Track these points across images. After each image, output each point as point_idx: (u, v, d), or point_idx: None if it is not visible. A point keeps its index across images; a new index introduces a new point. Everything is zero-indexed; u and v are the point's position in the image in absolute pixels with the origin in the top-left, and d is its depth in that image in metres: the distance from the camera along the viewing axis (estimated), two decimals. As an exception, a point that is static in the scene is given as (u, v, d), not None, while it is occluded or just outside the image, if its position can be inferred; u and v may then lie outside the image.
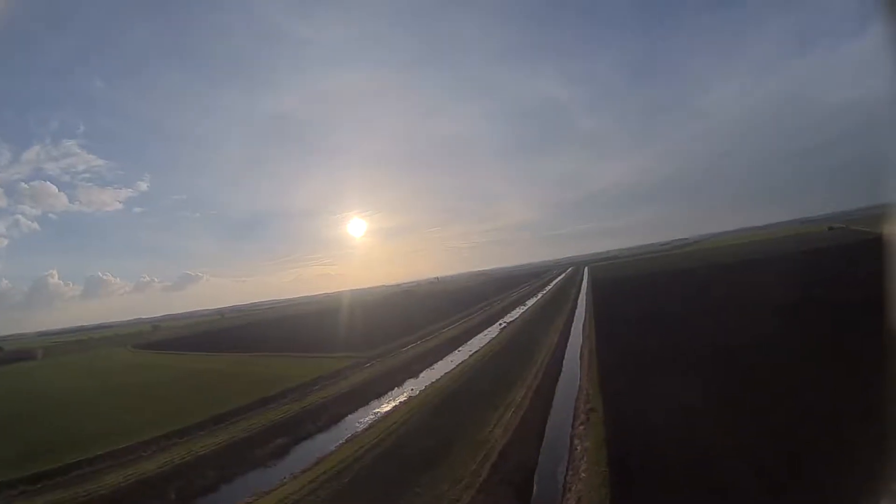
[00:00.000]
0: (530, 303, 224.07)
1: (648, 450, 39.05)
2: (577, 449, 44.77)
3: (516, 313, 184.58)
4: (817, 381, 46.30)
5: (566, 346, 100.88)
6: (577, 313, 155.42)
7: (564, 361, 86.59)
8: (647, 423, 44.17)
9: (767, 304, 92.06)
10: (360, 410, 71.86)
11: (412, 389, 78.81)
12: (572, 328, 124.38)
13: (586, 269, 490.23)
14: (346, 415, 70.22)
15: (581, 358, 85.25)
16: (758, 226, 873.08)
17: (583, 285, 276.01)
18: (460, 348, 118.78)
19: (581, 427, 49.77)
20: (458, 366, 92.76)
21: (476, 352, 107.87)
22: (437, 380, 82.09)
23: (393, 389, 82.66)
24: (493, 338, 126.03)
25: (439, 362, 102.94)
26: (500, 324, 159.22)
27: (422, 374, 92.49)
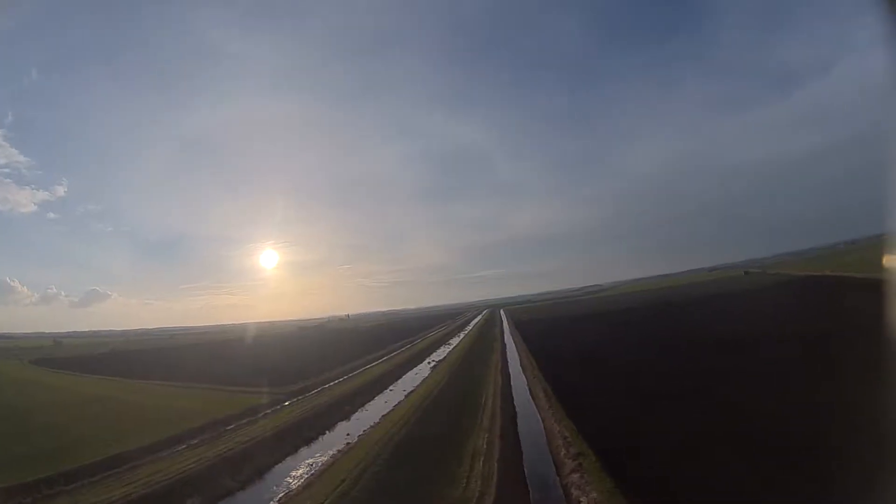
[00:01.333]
0: (455, 342, 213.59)
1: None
2: (582, 502, 35.65)
3: (443, 352, 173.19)
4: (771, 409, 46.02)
5: (511, 385, 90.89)
6: (509, 352, 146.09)
7: (516, 402, 76.26)
8: (652, 459, 39.60)
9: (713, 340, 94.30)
10: (290, 460, 58.07)
11: (349, 435, 65.62)
12: (510, 367, 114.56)
13: (502, 311, 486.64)
14: (273, 465, 56.03)
15: (535, 398, 76.61)
16: (672, 272, 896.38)
17: (504, 326, 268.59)
18: (392, 387, 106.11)
19: (575, 475, 40.32)
20: (395, 407, 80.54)
21: (412, 392, 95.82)
22: (376, 423, 69.35)
23: (325, 434, 69.17)
24: (427, 377, 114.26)
25: (371, 402, 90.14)
26: (429, 362, 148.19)
27: (355, 416, 79.24)
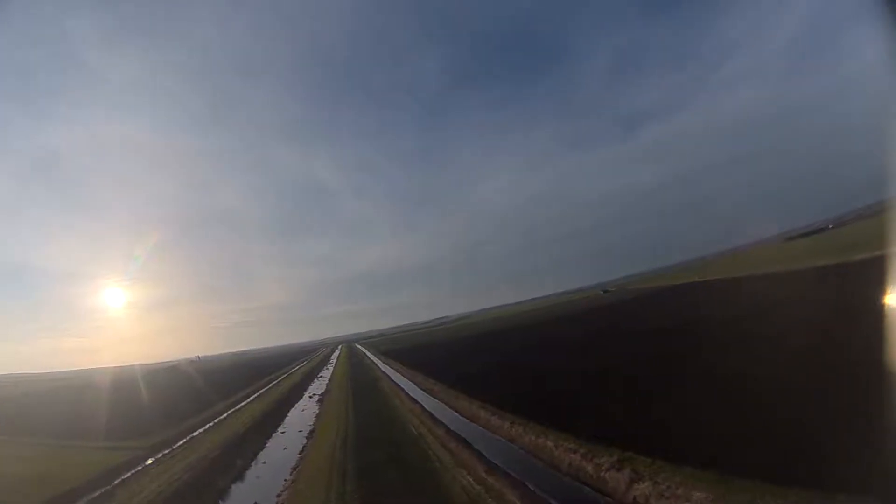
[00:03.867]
0: (326, 374, 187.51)
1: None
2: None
3: (321, 385, 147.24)
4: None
5: (429, 411, 69.70)
6: (399, 377, 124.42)
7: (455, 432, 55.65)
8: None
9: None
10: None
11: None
12: (410, 390, 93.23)
13: (358, 346, 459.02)
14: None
15: (476, 418, 59.09)
16: (525, 299, 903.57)
17: (373, 358, 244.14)
18: (281, 429, 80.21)
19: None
20: (305, 453, 56.70)
21: (312, 430, 71.97)
22: (292, 482, 45.83)
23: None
24: (322, 411, 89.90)
25: (266, 451, 64.44)
26: (311, 396, 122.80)
27: (254, 475, 53.33)
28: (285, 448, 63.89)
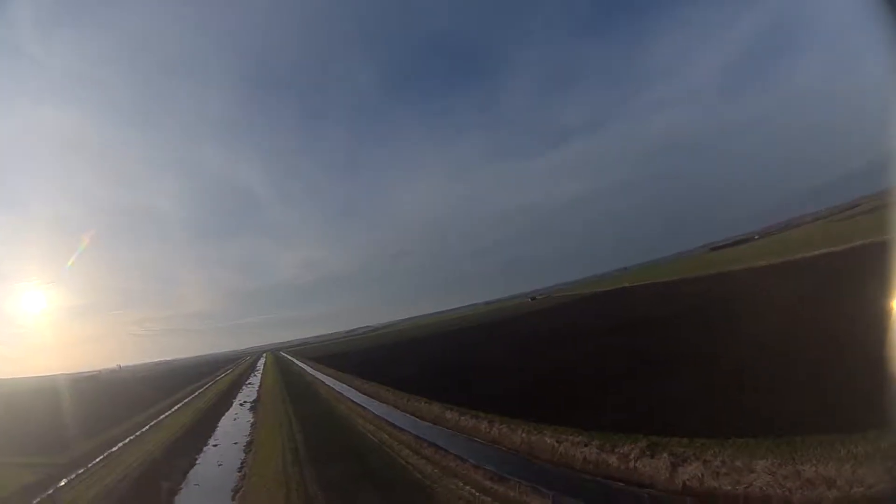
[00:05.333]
0: (255, 381, 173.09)
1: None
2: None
3: (250, 392, 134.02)
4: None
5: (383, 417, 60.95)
6: (332, 384, 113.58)
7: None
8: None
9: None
10: None
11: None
12: (354, 398, 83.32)
13: (283, 353, 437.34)
14: None
15: (442, 420, 49.60)
16: (451, 308, 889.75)
17: (299, 363, 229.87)
18: (213, 440, 68.67)
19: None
20: (244, 477, 46.18)
21: (250, 442, 61.57)
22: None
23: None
24: (256, 421, 78.87)
25: (197, 469, 53.26)
26: (241, 403, 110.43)
27: (181, 502, 43.34)
28: (220, 464, 53.30)
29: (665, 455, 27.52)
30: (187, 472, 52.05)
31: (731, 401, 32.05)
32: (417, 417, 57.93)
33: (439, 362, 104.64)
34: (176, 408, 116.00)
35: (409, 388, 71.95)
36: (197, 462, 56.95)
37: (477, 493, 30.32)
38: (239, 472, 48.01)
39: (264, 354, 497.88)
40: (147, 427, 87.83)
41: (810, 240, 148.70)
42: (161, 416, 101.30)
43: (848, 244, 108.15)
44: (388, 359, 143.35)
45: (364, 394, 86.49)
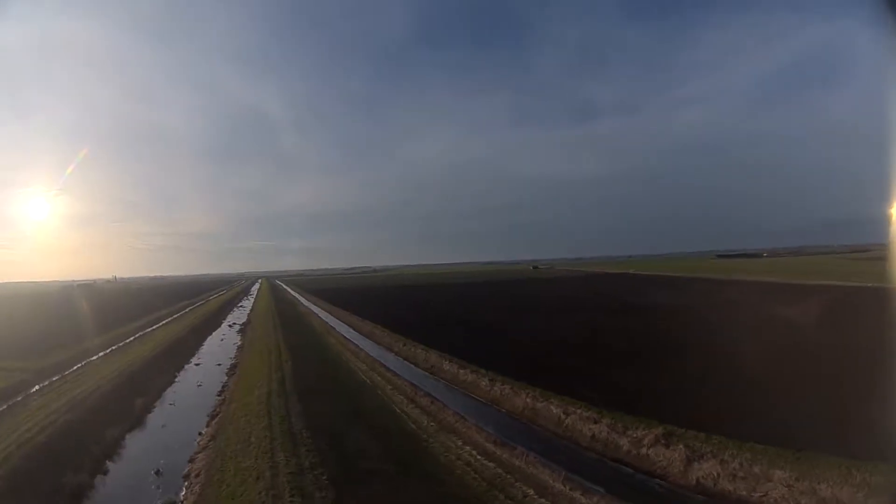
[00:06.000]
0: (247, 304, 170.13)
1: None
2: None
3: (240, 315, 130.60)
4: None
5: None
6: (326, 318, 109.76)
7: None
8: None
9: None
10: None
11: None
12: (347, 335, 79.26)
13: (279, 281, 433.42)
14: None
15: (439, 371, 45.04)
16: (453, 262, 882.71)
17: (293, 293, 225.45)
18: (196, 360, 65.38)
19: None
20: (223, 402, 42.67)
21: (234, 365, 57.46)
22: (211, 437, 32.32)
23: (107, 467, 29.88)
24: (243, 344, 74.99)
25: (174, 388, 50.07)
26: (231, 325, 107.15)
27: (152, 421, 39.22)
28: (200, 385, 49.36)
29: (681, 447, 24.91)
30: (164, 390, 48.10)
31: (749, 403, 29.83)
32: (412, 364, 53.63)
33: (440, 311, 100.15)
34: (163, 322, 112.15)
35: (406, 332, 67.58)
36: (176, 380, 53.14)
37: (478, 457, 26.00)
38: (219, 395, 43.95)
39: (259, 280, 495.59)
40: (131, 339, 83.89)
41: (822, 269, 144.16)
42: (147, 330, 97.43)
43: (861, 283, 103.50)
44: (386, 300, 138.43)
45: (359, 332, 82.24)
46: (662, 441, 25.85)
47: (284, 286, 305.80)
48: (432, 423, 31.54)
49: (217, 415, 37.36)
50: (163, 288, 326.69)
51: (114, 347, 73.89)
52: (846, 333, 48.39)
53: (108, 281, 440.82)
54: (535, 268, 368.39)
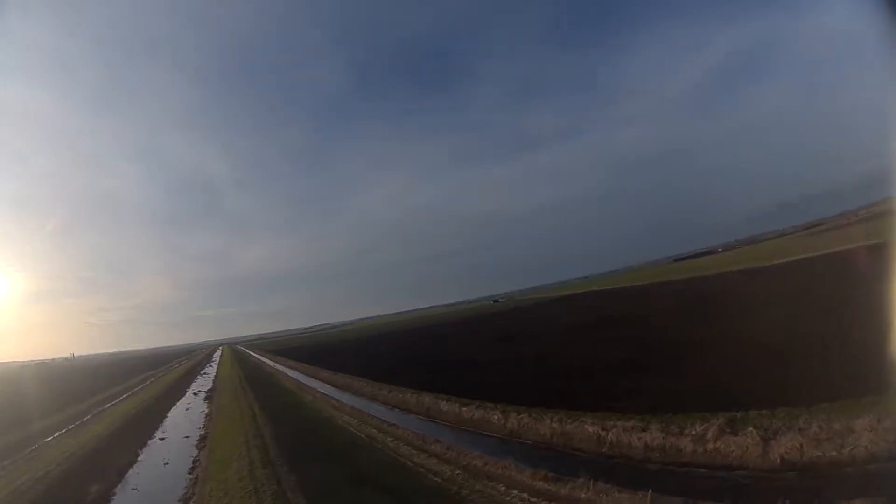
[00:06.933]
0: (210, 371, 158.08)
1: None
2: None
3: (204, 382, 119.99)
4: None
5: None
6: (296, 377, 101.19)
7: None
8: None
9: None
10: None
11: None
12: (323, 391, 71.76)
13: (239, 346, 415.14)
14: None
15: (439, 414, 38.91)
16: (412, 309, 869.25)
17: (256, 356, 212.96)
18: (161, 434, 56.84)
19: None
20: (196, 480, 35.53)
21: (204, 436, 49.70)
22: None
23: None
24: (211, 412, 66.48)
25: (136, 468, 42.02)
26: (196, 392, 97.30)
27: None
28: (167, 463, 41.81)
29: (750, 430, 22.50)
30: (125, 473, 40.11)
31: (780, 373, 28.71)
32: (405, 410, 47.60)
33: (417, 354, 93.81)
34: (123, 397, 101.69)
35: (386, 379, 61.53)
36: (139, 459, 45.01)
37: (532, 499, 20.78)
38: (190, 473, 36.72)
39: (220, 347, 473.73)
40: (87, 417, 74.32)
41: (781, 250, 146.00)
42: (105, 406, 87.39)
43: (819, 252, 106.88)
44: (356, 352, 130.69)
45: (334, 386, 75.33)
46: (728, 430, 23.27)
47: (247, 350, 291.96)
48: (458, 472, 25.83)
49: (191, 497, 30.44)
50: (122, 363, 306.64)
51: (70, 427, 64.80)
52: (823, 298, 49.36)
53: (66, 359, 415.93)
54: (495, 302, 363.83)
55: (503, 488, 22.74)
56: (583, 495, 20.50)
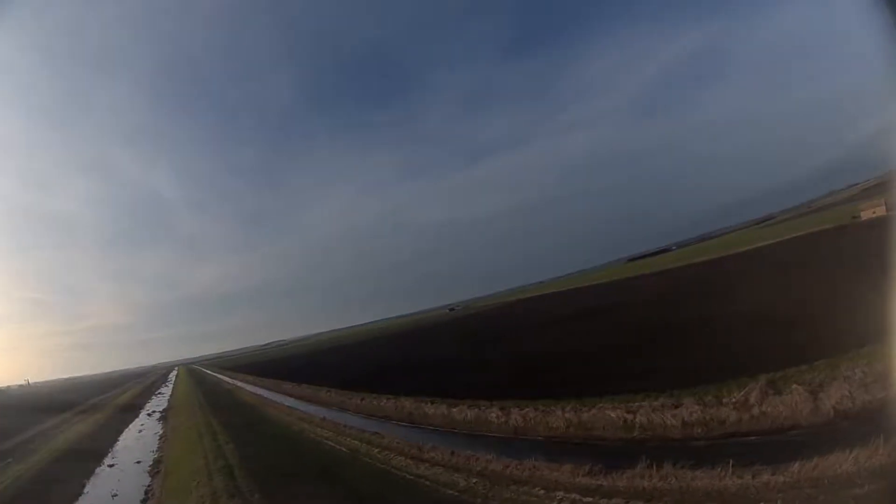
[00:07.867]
0: (165, 391, 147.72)
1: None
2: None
3: (159, 402, 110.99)
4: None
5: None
6: (258, 392, 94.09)
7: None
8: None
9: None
10: None
11: None
12: (288, 403, 65.85)
13: (194, 366, 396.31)
14: None
15: (425, 417, 33.25)
16: (367, 321, 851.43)
17: (213, 374, 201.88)
18: (109, 462, 49.77)
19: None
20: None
21: (158, 460, 43.94)
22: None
23: None
24: (165, 433, 59.86)
25: (83, 499, 36.39)
26: (150, 413, 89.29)
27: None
28: (115, 495, 35.86)
29: (795, 387, 21.07)
30: (67, 508, 34.31)
31: (796, 336, 27.44)
32: (382, 418, 42.74)
33: (385, 362, 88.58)
34: (70, 423, 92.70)
35: (355, 387, 56.80)
36: (84, 491, 38.94)
37: (586, 499, 17.01)
38: (143, 504, 31.20)
39: (176, 367, 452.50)
40: (30, 446, 66.33)
41: (736, 242, 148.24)
42: (50, 432, 78.91)
43: (772, 241, 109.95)
44: (317, 364, 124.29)
45: (299, 398, 69.37)
46: (771, 391, 21.64)
47: (203, 369, 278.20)
48: (474, 480, 21.66)
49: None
50: (74, 388, 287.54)
51: (9, 461, 57.10)
52: (803, 273, 51.42)
53: (21, 386, 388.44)
54: (451, 310, 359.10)
55: (541, 492, 19.03)
56: (646, 484, 16.96)
